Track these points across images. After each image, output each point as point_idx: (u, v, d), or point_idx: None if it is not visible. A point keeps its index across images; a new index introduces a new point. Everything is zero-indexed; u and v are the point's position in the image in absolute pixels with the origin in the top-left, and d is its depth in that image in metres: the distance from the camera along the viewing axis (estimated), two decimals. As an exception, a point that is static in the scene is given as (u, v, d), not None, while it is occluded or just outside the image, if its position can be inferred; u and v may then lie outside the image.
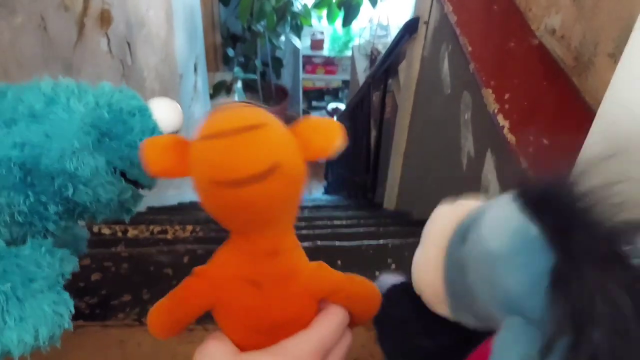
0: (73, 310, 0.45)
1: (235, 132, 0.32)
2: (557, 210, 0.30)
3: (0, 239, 0.45)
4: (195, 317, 0.39)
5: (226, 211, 0.34)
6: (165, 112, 0.49)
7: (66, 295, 0.45)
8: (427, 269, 0.40)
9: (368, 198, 2.67)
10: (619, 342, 0.27)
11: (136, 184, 0.51)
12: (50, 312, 0.43)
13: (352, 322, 0.41)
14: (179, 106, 0.51)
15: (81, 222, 0.55)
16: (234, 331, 0.39)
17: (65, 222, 0.49)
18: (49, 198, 0.47)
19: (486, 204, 0.36)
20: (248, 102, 0.35)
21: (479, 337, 0.36)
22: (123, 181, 0.49)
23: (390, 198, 2.11)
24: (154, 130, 0.48)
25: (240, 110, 0.33)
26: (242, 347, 0.39)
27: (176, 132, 0.50)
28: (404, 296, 0.44)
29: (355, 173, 2.90)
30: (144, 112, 0.48)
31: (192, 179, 0.34)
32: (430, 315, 0.42)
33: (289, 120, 0.35)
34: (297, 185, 0.34)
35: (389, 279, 0.48)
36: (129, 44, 1.93)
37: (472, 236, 0.35)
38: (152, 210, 2.08)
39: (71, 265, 0.47)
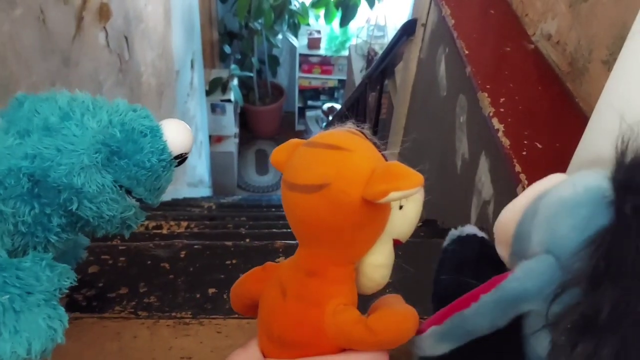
0: (67, 326, 0.45)
1: (319, 146, 0.35)
2: (635, 181, 0.31)
3: (3, 248, 0.45)
4: (249, 299, 0.43)
5: (285, 211, 0.37)
6: (176, 133, 0.49)
7: (61, 310, 0.45)
8: (512, 209, 0.42)
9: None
10: (624, 307, 0.29)
11: (140, 201, 0.52)
12: (45, 326, 0.43)
13: None
14: (189, 128, 0.52)
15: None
16: (259, 327, 0.41)
17: (67, 234, 0.50)
18: (53, 210, 0.48)
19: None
20: (360, 131, 0.38)
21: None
22: (127, 199, 0.50)
23: (384, 198, 2.12)
24: (163, 151, 0.48)
25: (342, 132, 0.36)
26: (263, 350, 0.41)
27: (186, 153, 0.51)
28: (475, 244, 0.47)
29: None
30: (155, 133, 0.48)
31: None
32: (488, 268, 0.43)
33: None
34: (343, 213, 0.34)
35: (472, 229, 0.50)
36: (126, 39, 1.93)
37: (555, 187, 0.37)
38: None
39: (69, 280, 0.48)
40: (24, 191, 0.45)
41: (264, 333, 0.41)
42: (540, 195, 0.40)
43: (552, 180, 0.41)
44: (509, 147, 0.87)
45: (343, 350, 0.39)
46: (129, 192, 0.49)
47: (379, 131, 2.43)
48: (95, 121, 0.47)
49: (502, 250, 0.43)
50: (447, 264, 0.48)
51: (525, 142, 0.87)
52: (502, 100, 0.96)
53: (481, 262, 0.45)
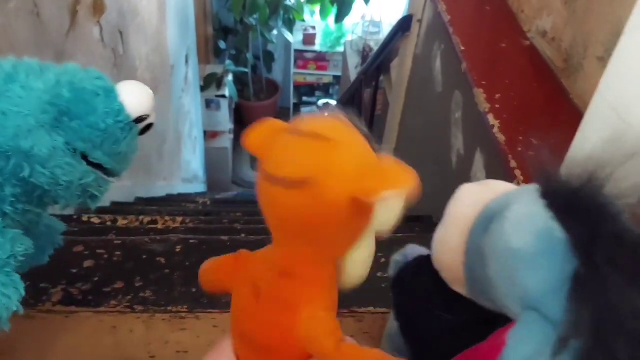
0: (23, 293, 0.43)
1: (304, 135, 0.31)
2: (584, 215, 0.30)
3: None
4: (219, 288, 0.42)
5: (261, 203, 0.34)
6: (133, 95, 0.47)
7: (16, 277, 0.43)
8: (448, 249, 0.40)
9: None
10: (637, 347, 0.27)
11: (101, 168, 0.49)
12: None
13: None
14: (149, 90, 0.49)
15: (45, 209, 0.52)
16: (232, 324, 0.40)
17: (23, 205, 0.48)
18: (5, 179, 0.45)
19: (511, 194, 0.37)
20: (350, 120, 0.34)
21: (496, 318, 0.37)
22: (85, 164, 0.47)
23: (379, 194, 2.12)
24: (119, 112, 0.46)
25: (330, 121, 0.33)
26: (236, 348, 0.40)
27: (146, 115, 0.49)
28: (425, 269, 0.45)
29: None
30: (109, 94, 0.46)
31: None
32: (448, 291, 0.42)
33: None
34: (328, 210, 0.31)
35: (416, 249, 0.48)
36: (121, 33, 1.91)
37: (495, 228, 0.35)
38: (140, 201, 2.07)
39: (23, 246, 0.45)
40: None
41: (236, 331, 0.39)
42: (474, 228, 0.38)
43: (471, 200, 0.39)
44: (504, 143, 0.87)
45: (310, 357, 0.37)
46: (85, 157, 0.47)
47: (374, 127, 2.42)
48: (42, 82, 0.44)
49: (459, 289, 0.41)
50: (413, 302, 0.46)
51: (521, 138, 0.87)
52: (497, 96, 0.97)
53: (441, 288, 0.43)
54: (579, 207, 0.31)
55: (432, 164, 1.43)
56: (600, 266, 0.29)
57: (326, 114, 0.34)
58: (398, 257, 0.49)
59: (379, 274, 0.71)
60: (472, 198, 0.40)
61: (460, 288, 0.41)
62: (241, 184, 4.19)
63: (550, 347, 0.30)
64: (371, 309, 0.64)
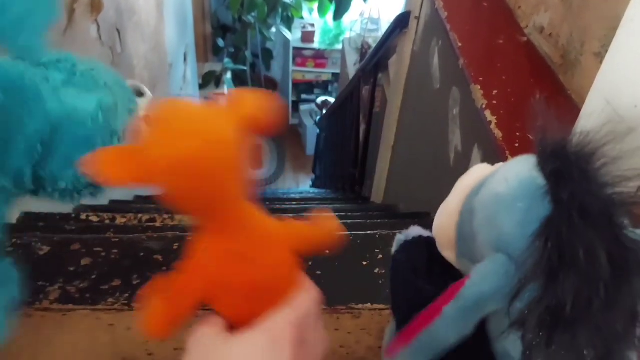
0: (8, 324, 0.44)
1: (169, 119, 0.34)
2: (565, 166, 0.31)
3: None
4: (193, 311, 0.40)
5: (180, 194, 0.34)
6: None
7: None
8: (447, 212, 0.42)
9: (356, 191, 2.68)
10: (587, 294, 0.28)
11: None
12: None
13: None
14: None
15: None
16: (227, 306, 0.40)
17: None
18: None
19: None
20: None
21: None
22: None
23: (377, 192, 2.13)
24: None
25: (175, 102, 0.35)
26: (235, 319, 0.40)
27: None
28: (423, 246, 0.47)
29: (343, 166, 2.91)
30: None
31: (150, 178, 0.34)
32: (439, 268, 0.44)
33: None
34: (228, 156, 0.34)
35: (418, 230, 0.50)
36: (118, 32, 1.91)
37: (486, 182, 0.38)
38: (139, 199, 2.07)
39: (11, 297, 0.46)
40: None
41: (241, 301, 0.40)
42: (471, 192, 0.40)
43: (478, 173, 0.41)
44: (501, 139, 0.87)
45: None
46: None
47: (372, 125, 2.43)
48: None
49: (448, 254, 0.43)
50: (401, 273, 0.48)
51: (518, 134, 0.87)
52: (494, 92, 0.96)
53: (432, 265, 0.45)
54: (561, 160, 0.32)
55: (430, 160, 1.44)
56: (568, 208, 0.30)
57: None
58: (401, 236, 0.51)
59: (376, 270, 0.71)
60: (480, 171, 0.42)
61: (450, 251, 0.43)
62: (240, 182, 4.19)
63: (510, 287, 0.32)
64: (368, 305, 0.64)
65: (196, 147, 0.33)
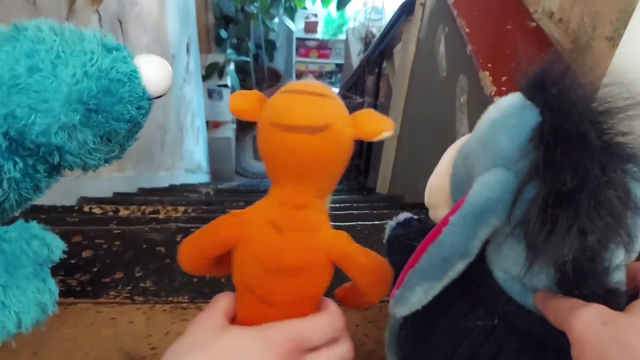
0: (57, 298, 0.44)
1: (308, 93, 0.38)
2: (548, 80, 0.34)
3: None
4: (218, 250, 0.42)
5: (275, 153, 0.38)
6: (154, 74, 0.45)
7: (52, 283, 0.44)
8: (439, 173, 0.45)
9: (360, 182, 2.66)
10: (584, 167, 0.31)
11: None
12: (34, 300, 0.42)
13: (362, 298, 0.45)
14: (168, 65, 0.47)
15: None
16: (246, 269, 0.41)
17: (54, 178, 0.48)
18: (36, 160, 0.45)
19: None
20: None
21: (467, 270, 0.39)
22: (109, 145, 0.47)
23: (383, 182, 2.11)
24: (142, 98, 0.44)
25: (317, 83, 0.40)
26: (246, 289, 0.41)
27: (164, 94, 0.47)
28: (416, 222, 0.50)
29: (348, 157, 2.89)
30: (134, 79, 0.43)
31: (259, 122, 0.39)
32: None
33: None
34: (341, 152, 0.38)
35: (406, 214, 0.52)
36: (120, 22, 1.89)
37: (477, 123, 0.40)
38: (143, 191, 2.06)
39: (59, 250, 0.45)
40: (2, 149, 0.43)
41: (259, 270, 0.41)
42: (460, 148, 0.43)
43: (464, 139, 0.44)
44: (511, 126, 0.85)
45: (331, 269, 0.42)
46: (110, 139, 0.46)
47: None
48: (70, 74, 0.41)
49: (442, 212, 0.44)
50: (397, 244, 0.49)
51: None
52: (503, 79, 0.94)
53: (419, 240, 0.47)
54: (549, 78, 0.35)
55: (436, 151, 1.41)
56: (556, 103, 0.33)
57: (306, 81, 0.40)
58: (392, 222, 0.52)
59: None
60: (464, 137, 0.44)
61: (444, 208, 0.44)
62: (244, 174, 4.19)
63: (511, 198, 0.34)
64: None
65: (315, 125, 0.36)
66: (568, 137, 0.32)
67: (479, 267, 0.40)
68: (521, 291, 0.39)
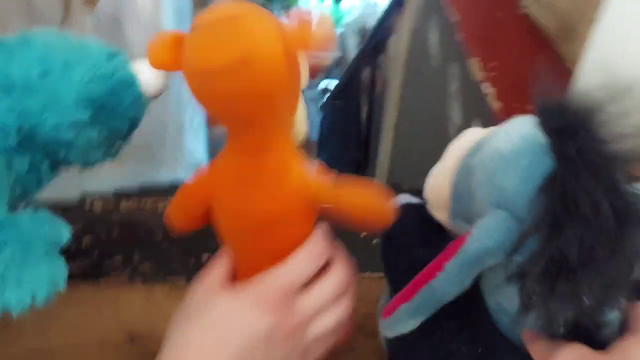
0: (67, 275, 0.47)
1: (219, 22, 0.32)
2: (568, 123, 0.32)
3: (2, 204, 0.46)
4: (201, 209, 0.41)
5: (208, 103, 0.34)
6: (150, 77, 0.48)
7: (62, 261, 0.47)
8: (441, 173, 0.43)
9: (360, 175, 2.68)
10: (590, 243, 0.29)
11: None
12: (47, 277, 0.45)
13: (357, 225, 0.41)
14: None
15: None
16: (225, 231, 0.40)
17: (55, 174, 0.51)
18: (43, 157, 0.48)
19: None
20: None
21: None
22: (110, 141, 0.50)
23: (381, 172, 2.12)
24: (139, 99, 0.48)
25: (227, 3, 0.33)
26: (235, 250, 0.41)
27: (159, 94, 0.51)
28: (414, 213, 0.48)
29: (347, 150, 2.91)
30: (132, 82, 0.48)
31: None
32: (431, 231, 0.45)
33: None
34: (276, 79, 0.32)
35: (405, 198, 0.51)
36: (116, 22, 1.91)
37: (486, 142, 0.38)
38: (143, 187, 2.08)
39: (67, 233, 0.49)
40: (13, 145, 0.46)
41: (236, 231, 0.40)
42: (467, 153, 0.40)
43: (471, 135, 0.42)
44: (500, 110, 0.87)
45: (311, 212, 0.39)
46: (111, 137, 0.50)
47: (374, 106, 2.42)
48: (78, 76, 0.46)
49: (441, 214, 0.43)
50: (393, 240, 0.48)
51: (516, 105, 0.87)
52: (492, 64, 0.96)
53: (424, 229, 0.46)
54: (563, 115, 0.33)
55: (431, 138, 1.43)
56: (574, 162, 0.31)
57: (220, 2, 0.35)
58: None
59: (374, 242, 0.72)
60: (473, 134, 0.42)
61: (442, 211, 0.43)
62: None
63: (511, 243, 0.32)
64: (367, 274, 0.65)
65: (231, 62, 0.30)
66: (579, 208, 0.30)
67: (474, 289, 0.39)
68: (510, 325, 0.38)
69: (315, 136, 4.20)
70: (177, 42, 0.35)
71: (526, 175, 0.33)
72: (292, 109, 0.36)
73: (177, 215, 0.45)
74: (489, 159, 0.37)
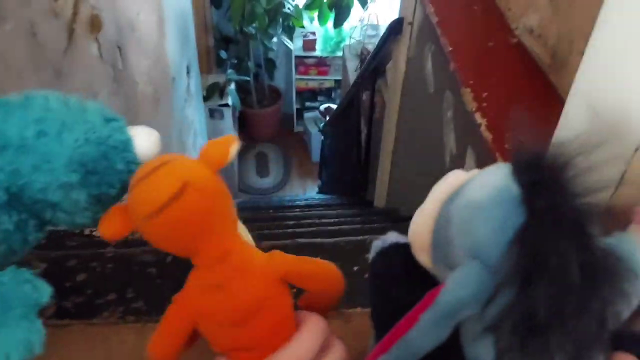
0: (44, 339, 0.48)
1: (151, 172, 0.40)
2: (539, 177, 0.32)
3: None
4: (184, 338, 0.46)
5: (166, 237, 0.41)
6: (144, 143, 0.51)
7: (39, 323, 0.48)
8: (422, 219, 0.43)
9: (360, 196, 2.68)
10: (559, 300, 0.29)
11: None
12: (23, 339, 0.45)
13: (318, 305, 0.47)
14: (157, 134, 0.53)
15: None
16: (216, 336, 0.44)
17: (42, 233, 0.52)
18: (30, 216, 0.49)
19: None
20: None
21: None
22: (99, 205, 0.51)
23: (380, 196, 2.13)
24: (133, 162, 0.50)
25: (151, 161, 0.42)
26: (228, 348, 0.43)
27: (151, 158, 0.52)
28: (400, 253, 0.48)
29: (347, 172, 2.92)
30: (128, 146, 0.49)
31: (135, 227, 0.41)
32: (416, 274, 0.45)
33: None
34: (215, 195, 0.40)
35: (394, 236, 0.51)
36: (119, 49, 1.94)
37: (462, 191, 0.38)
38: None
39: (47, 294, 0.49)
40: (1, 203, 0.46)
41: (226, 329, 0.43)
42: (448, 198, 0.41)
43: (453, 180, 0.42)
44: (491, 140, 0.88)
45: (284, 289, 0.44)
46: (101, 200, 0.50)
47: (373, 130, 2.43)
48: (73, 139, 0.47)
49: (423, 258, 0.44)
50: (378, 283, 0.49)
51: (508, 135, 0.88)
52: (485, 95, 0.97)
53: (409, 271, 0.46)
54: (536, 169, 0.33)
55: (427, 164, 1.44)
56: (542, 217, 0.31)
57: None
58: (378, 242, 0.52)
59: (366, 275, 0.72)
60: (455, 179, 0.43)
61: (425, 256, 0.44)
62: (247, 191, 4.22)
63: (484, 295, 0.33)
64: (359, 309, 0.65)
65: (177, 189, 0.38)
66: (547, 265, 0.30)
67: (453, 341, 0.39)
68: None
69: (317, 157, 4.23)
70: (120, 211, 0.43)
71: (498, 227, 0.33)
72: (231, 208, 0.43)
73: (164, 349, 0.48)
74: (464, 208, 0.37)
